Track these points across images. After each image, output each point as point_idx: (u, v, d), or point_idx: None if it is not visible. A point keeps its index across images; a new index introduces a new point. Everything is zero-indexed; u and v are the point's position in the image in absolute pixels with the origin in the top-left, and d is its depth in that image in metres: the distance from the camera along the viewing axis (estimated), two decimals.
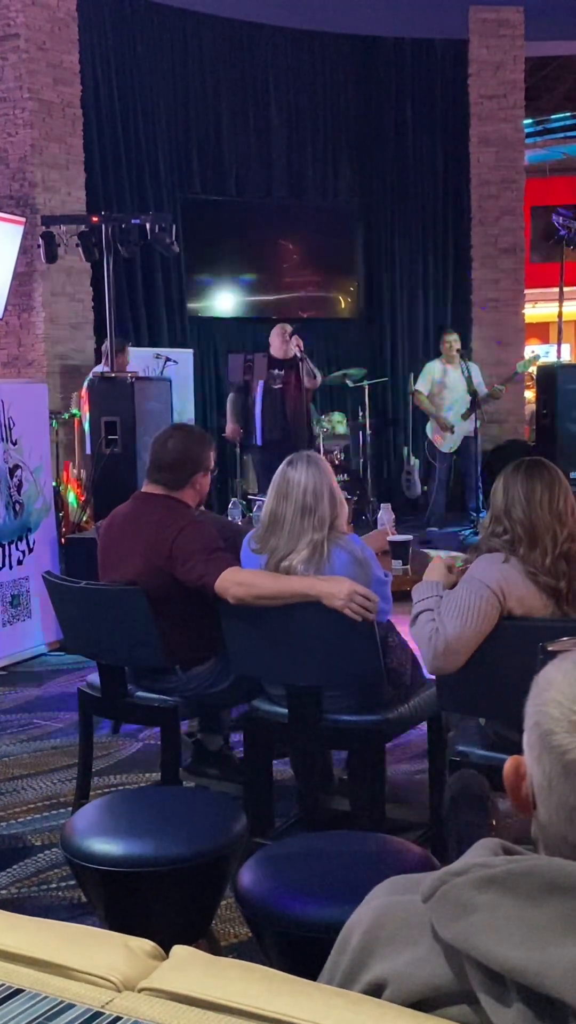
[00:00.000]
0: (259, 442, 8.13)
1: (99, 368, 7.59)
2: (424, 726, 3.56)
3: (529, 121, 13.50)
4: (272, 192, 10.75)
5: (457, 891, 0.99)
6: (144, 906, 2.53)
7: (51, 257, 7.38)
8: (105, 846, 2.48)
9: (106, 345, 7.48)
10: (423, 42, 10.86)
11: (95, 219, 7.09)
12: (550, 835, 1.03)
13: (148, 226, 6.94)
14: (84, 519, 7.16)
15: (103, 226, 6.97)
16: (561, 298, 8.51)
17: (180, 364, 8.86)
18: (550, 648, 1.63)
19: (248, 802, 3.44)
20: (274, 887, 2.23)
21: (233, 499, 5.72)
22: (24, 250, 8.43)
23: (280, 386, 7.98)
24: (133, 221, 7.01)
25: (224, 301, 10.66)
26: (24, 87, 8.63)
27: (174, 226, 7.25)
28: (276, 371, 8.03)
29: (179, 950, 1.13)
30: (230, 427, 8.32)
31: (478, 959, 0.95)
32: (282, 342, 8.14)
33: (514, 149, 10.72)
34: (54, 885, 3.30)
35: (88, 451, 6.92)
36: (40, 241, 7.45)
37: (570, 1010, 0.89)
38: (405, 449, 10.27)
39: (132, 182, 9.79)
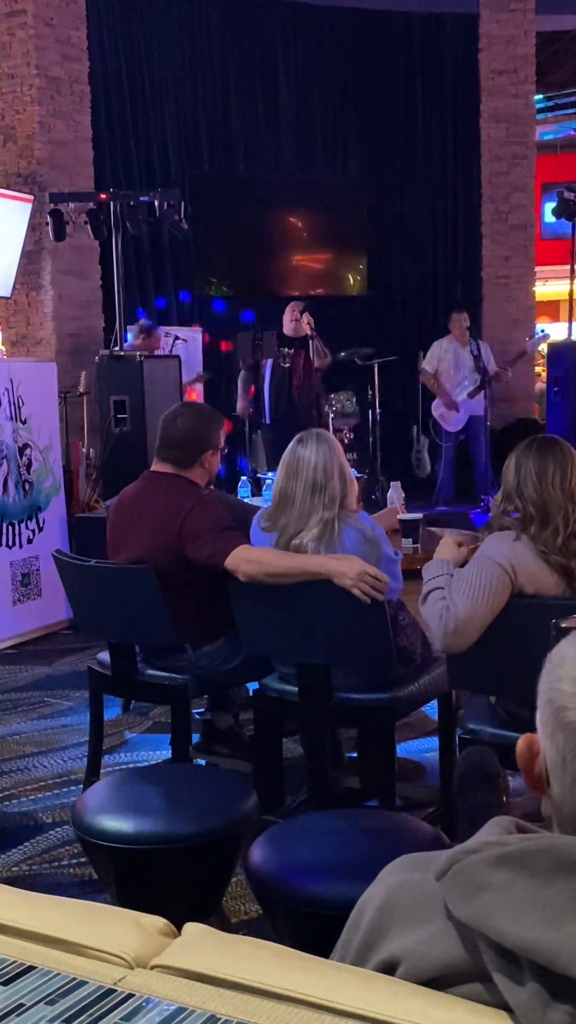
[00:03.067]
0: (267, 420, 8.12)
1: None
2: (435, 704, 3.56)
3: (540, 97, 13.36)
4: (281, 168, 10.67)
5: (470, 869, 0.98)
6: (154, 884, 2.54)
7: (59, 235, 7.35)
8: (116, 824, 2.49)
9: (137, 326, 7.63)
10: (433, 16, 10.75)
11: (103, 196, 7.05)
12: (564, 813, 1.02)
13: (156, 203, 6.90)
14: (94, 498, 7.16)
15: (111, 203, 6.94)
16: (572, 275, 8.43)
17: (189, 342, 8.83)
18: (563, 625, 1.62)
19: (258, 780, 3.45)
20: (284, 864, 2.24)
21: (243, 478, 5.70)
22: (32, 228, 8.39)
23: (288, 364, 7.94)
24: (141, 198, 6.97)
25: (233, 278, 10.61)
26: (32, 64, 8.57)
27: (182, 203, 7.21)
28: (285, 349, 7.98)
29: (191, 927, 1.13)
30: (241, 404, 8.32)
31: (492, 937, 0.94)
32: (291, 319, 8.09)
33: (525, 124, 10.62)
34: (65, 862, 3.32)
35: None
36: (48, 219, 7.41)
37: None
38: (414, 428, 10.23)
39: (140, 159, 9.73)
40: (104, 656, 3.68)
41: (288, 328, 8.07)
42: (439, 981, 1.01)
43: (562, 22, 11.54)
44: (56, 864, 3.32)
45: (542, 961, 0.91)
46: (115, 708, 4.55)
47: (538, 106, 12.87)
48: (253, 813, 2.60)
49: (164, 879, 2.54)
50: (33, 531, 5.91)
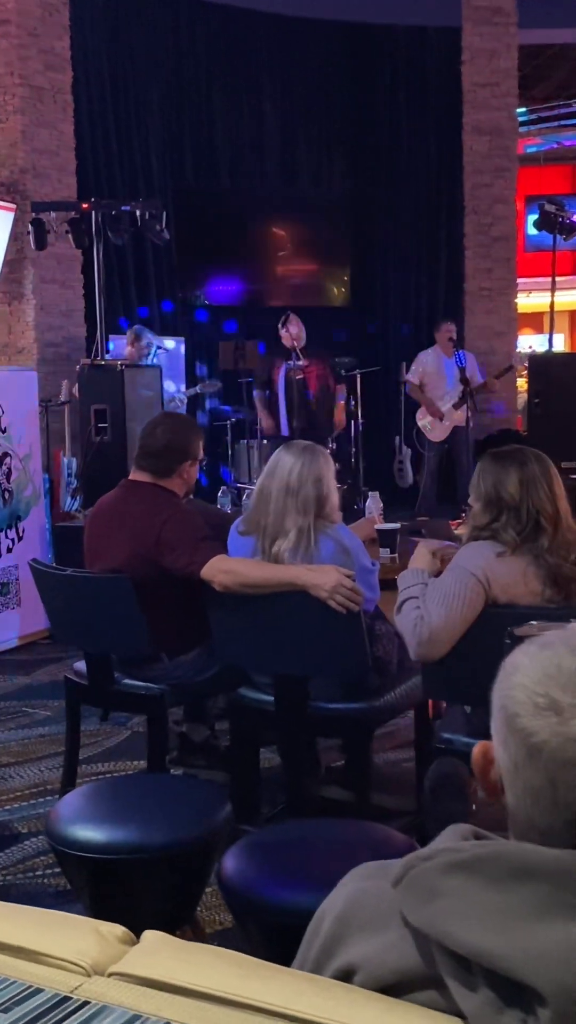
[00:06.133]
0: (285, 432, 8.00)
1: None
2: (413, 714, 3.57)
3: (523, 110, 13.45)
4: (265, 180, 10.71)
5: (425, 876, 0.99)
6: (128, 893, 2.53)
7: (40, 244, 7.35)
8: (89, 833, 2.48)
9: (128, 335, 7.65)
10: (416, 29, 10.82)
11: (85, 206, 7.06)
12: (518, 819, 1.02)
13: (138, 213, 6.91)
14: (75, 507, 7.15)
15: (93, 213, 6.94)
16: (553, 287, 8.47)
17: (171, 352, 8.83)
18: (517, 633, 1.63)
19: (234, 790, 3.44)
20: (256, 874, 2.23)
21: (222, 487, 5.70)
22: (14, 237, 8.39)
23: (301, 375, 7.82)
24: (123, 208, 6.98)
25: (216, 289, 10.63)
26: (15, 73, 8.58)
27: (164, 213, 7.22)
28: (294, 362, 7.89)
29: (150, 935, 1.13)
30: (266, 422, 8.19)
31: (445, 944, 0.95)
32: (283, 331, 8.04)
33: (507, 137, 10.67)
34: (40, 872, 3.31)
35: None
36: (30, 228, 7.41)
37: (535, 994, 0.89)
38: (397, 438, 10.26)
39: (124, 169, 9.75)
40: (80, 665, 3.67)
41: (286, 339, 8.00)
42: (396, 988, 1.01)
43: (545, 36, 11.64)
44: (31, 874, 3.31)
45: (494, 967, 0.91)
46: (94, 718, 4.54)
47: (522, 119, 12.96)
48: (227, 822, 2.59)
49: (137, 889, 2.52)
50: (13, 540, 5.90)
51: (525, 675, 1.02)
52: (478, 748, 1.10)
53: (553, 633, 1.05)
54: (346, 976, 1.05)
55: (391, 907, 1.03)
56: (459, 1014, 0.95)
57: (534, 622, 1.67)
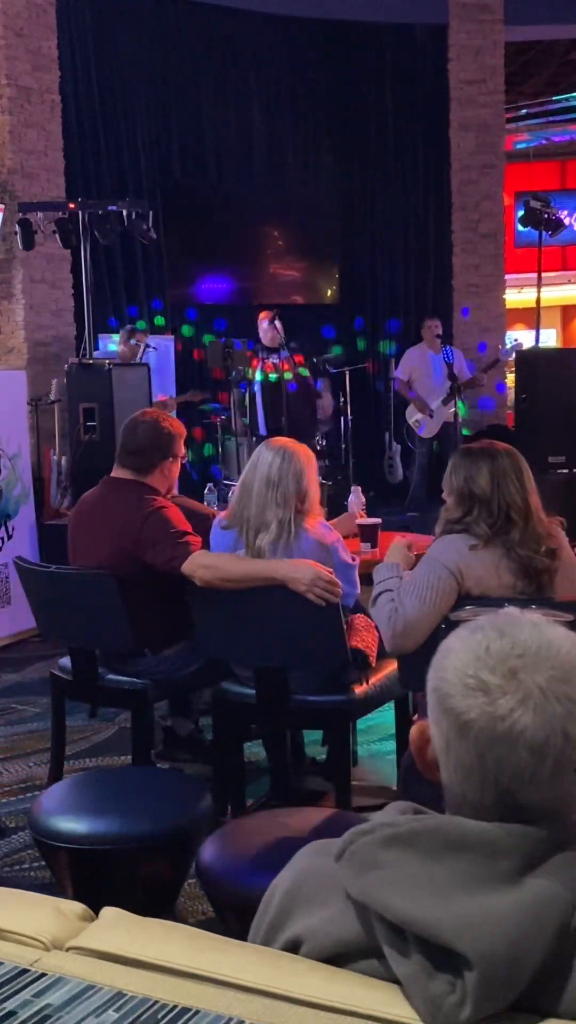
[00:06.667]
0: (263, 431, 8.02)
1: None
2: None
3: (511, 106, 13.46)
4: (253, 178, 10.74)
5: (364, 849, 1.04)
6: (108, 883, 2.58)
7: (28, 244, 7.38)
8: (70, 824, 2.53)
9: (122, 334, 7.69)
10: (403, 27, 10.84)
11: (72, 206, 7.10)
12: (451, 795, 1.08)
13: (125, 213, 6.95)
14: (64, 506, 7.19)
15: (80, 213, 6.98)
16: (539, 283, 8.52)
17: (161, 351, 8.86)
18: (452, 617, 1.68)
19: (218, 782, 3.49)
20: (232, 861, 2.28)
21: (209, 484, 5.75)
22: (3, 237, 8.42)
23: (278, 374, 7.84)
24: (110, 208, 7.02)
25: (205, 287, 10.66)
26: (2, 73, 8.59)
27: (151, 213, 7.25)
28: (272, 360, 7.91)
29: (107, 911, 1.18)
30: (237, 422, 8.22)
31: (380, 912, 1.00)
32: (268, 328, 8.05)
33: (494, 134, 10.71)
34: (26, 865, 3.35)
35: None
36: (17, 228, 7.44)
37: (463, 960, 0.93)
38: (386, 434, 10.31)
39: (112, 168, 9.77)
40: (66, 661, 3.72)
41: (266, 337, 8.03)
42: (339, 958, 1.06)
43: (532, 32, 11.66)
44: (18, 868, 3.35)
45: (425, 934, 0.96)
46: (83, 714, 4.59)
47: (510, 116, 12.98)
48: (207, 814, 2.64)
49: (118, 879, 2.58)
50: (2, 539, 5.94)
51: (456, 657, 1.06)
52: (415, 728, 1.15)
53: (484, 617, 1.10)
54: (293, 948, 1.10)
55: (335, 882, 1.08)
56: (396, 981, 1.00)
57: (469, 607, 1.72)
